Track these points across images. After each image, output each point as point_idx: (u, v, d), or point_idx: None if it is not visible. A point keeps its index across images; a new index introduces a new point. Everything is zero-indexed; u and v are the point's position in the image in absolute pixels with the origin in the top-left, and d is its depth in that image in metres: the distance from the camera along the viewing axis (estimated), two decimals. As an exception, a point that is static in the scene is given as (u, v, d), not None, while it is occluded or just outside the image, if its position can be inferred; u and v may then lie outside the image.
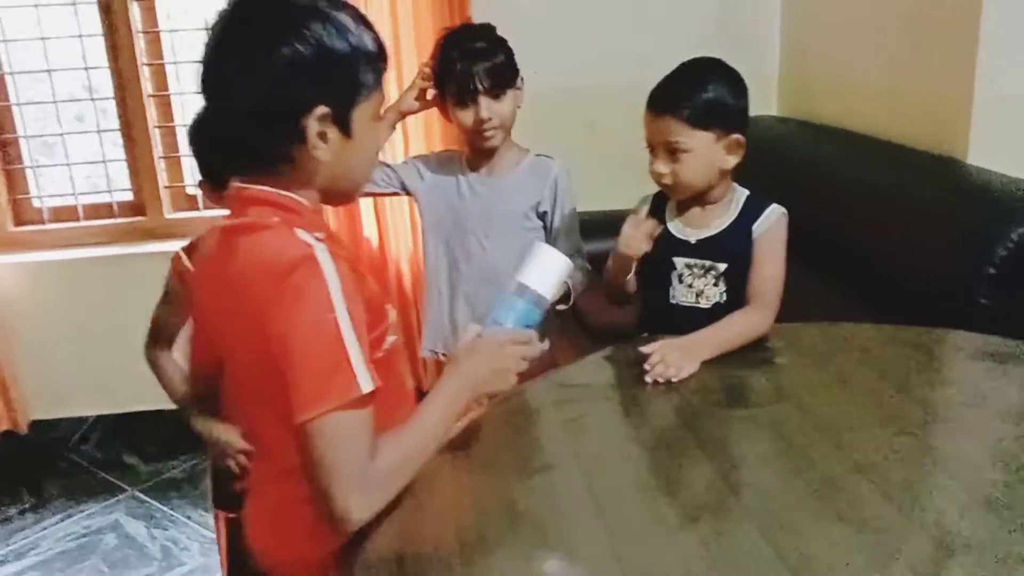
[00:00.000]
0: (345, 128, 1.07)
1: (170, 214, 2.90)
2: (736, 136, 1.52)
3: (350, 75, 1.06)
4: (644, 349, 1.40)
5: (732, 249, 1.57)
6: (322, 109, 1.03)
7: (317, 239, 1.04)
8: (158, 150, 2.84)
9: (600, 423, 1.31)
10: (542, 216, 1.89)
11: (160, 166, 2.85)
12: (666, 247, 1.58)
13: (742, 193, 1.62)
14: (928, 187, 1.83)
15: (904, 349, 1.47)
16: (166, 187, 2.88)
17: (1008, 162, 1.87)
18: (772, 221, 1.56)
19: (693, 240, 1.59)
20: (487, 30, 1.83)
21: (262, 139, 1.06)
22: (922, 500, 1.04)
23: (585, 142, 2.75)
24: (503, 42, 1.80)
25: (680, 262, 1.59)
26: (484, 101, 1.75)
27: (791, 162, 2.25)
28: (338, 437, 0.97)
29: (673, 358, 1.38)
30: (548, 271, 1.26)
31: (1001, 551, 0.92)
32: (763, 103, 2.83)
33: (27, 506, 2.59)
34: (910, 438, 1.19)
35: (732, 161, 1.54)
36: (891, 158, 2.05)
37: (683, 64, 1.57)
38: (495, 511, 1.08)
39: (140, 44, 2.75)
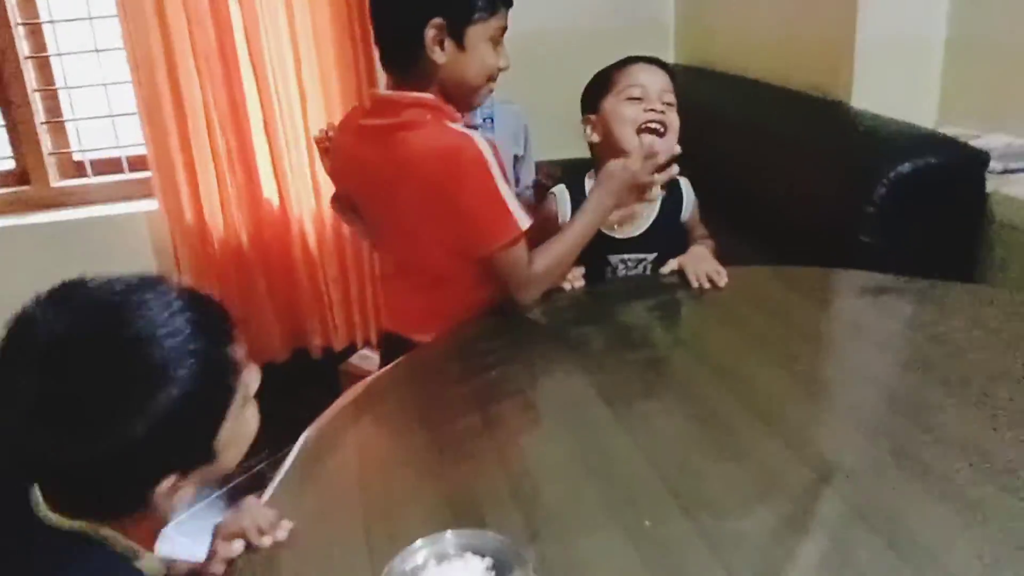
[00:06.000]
0: (459, 41, 1.35)
1: (57, 182, 2.77)
2: None
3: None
4: (666, 270, 1.57)
5: (664, 239, 1.63)
6: (439, 20, 1.32)
7: (465, 129, 1.38)
8: (39, 116, 2.71)
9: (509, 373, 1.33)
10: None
11: (43, 132, 2.72)
12: (601, 246, 1.59)
13: None
14: (814, 130, 1.90)
15: (792, 288, 1.53)
16: (51, 154, 2.75)
17: (889, 103, 1.94)
18: (691, 200, 1.67)
19: (624, 237, 1.62)
20: None
21: (396, 46, 1.40)
22: (808, 434, 1.08)
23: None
24: None
25: (615, 259, 1.63)
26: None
27: (686, 109, 2.29)
28: (509, 265, 1.41)
29: (707, 267, 1.52)
30: None
31: (879, 477, 0.97)
32: (660, 51, 2.85)
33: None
34: (792, 373, 1.24)
35: None
36: (780, 103, 2.11)
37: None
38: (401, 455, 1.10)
39: (12, 0, 2.59)
